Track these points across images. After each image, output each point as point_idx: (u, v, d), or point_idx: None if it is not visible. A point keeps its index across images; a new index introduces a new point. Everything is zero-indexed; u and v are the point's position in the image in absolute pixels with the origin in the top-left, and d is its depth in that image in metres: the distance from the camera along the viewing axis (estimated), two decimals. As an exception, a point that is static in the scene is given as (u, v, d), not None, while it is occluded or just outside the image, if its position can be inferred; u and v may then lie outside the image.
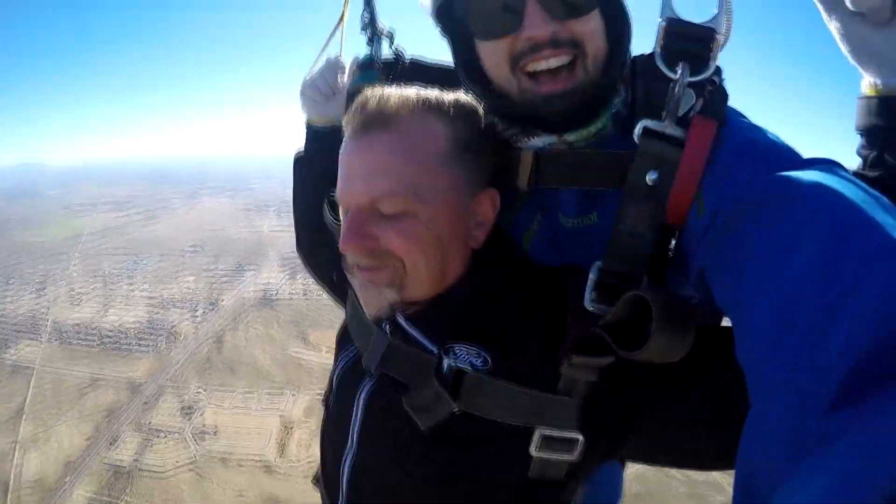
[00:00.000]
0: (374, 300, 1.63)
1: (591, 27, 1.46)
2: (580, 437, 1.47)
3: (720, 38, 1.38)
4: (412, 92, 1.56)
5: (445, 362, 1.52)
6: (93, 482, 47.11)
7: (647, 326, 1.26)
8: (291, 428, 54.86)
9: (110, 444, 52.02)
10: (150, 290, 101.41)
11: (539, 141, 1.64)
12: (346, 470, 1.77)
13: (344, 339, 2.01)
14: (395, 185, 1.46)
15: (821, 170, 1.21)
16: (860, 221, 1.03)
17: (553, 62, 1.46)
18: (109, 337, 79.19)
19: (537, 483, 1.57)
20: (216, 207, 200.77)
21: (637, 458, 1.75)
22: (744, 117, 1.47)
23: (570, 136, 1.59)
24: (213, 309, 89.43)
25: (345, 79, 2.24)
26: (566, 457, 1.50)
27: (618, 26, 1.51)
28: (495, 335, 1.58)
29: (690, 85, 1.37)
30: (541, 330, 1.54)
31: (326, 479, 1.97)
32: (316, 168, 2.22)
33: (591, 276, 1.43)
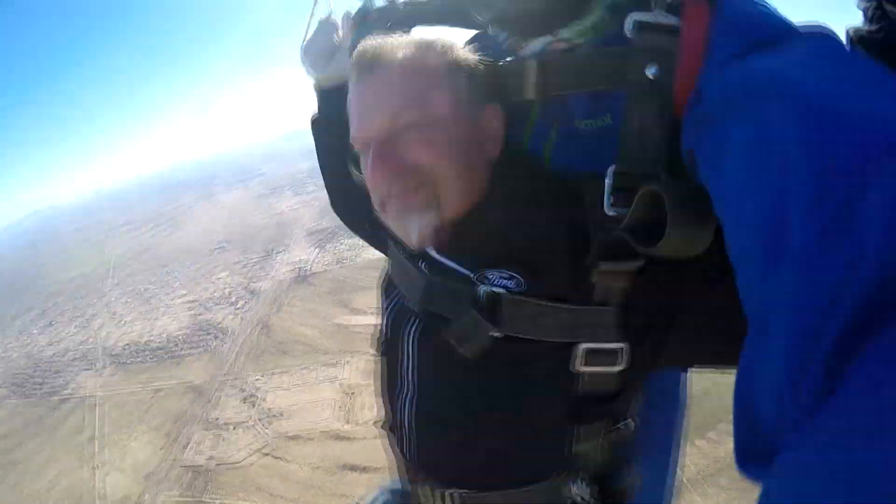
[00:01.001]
0: (413, 228, 1.73)
1: None
2: (623, 346, 1.59)
3: None
4: (403, 37, 1.71)
5: (480, 289, 1.65)
6: (174, 487, 47.88)
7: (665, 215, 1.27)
8: (353, 393, 54.87)
9: (183, 447, 52.65)
10: (188, 295, 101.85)
11: (537, 43, 1.67)
12: (407, 411, 1.96)
13: (388, 287, 2.17)
14: (407, 99, 1.60)
15: (813, 46, 1.16)
16: (859, 110, 0.94)
17: None
18: (160, 348, 79.67)
19: (589, 397, 1.69)
20: (232, 201, 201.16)
21: (683, 363, 1.84)
22: None
23: (565, 34, 1.62)
24: (252, 298, 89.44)
25: (341, 34, 2.34)
26: (612, 368, 1.61)
27: None
28: (524, 256, 1.67)
29: None
30: (567, 243, 1.61)
31: (392, 421, 2.13)
32: (333, 125, 2.27)
33: (608, 181, 1.47)
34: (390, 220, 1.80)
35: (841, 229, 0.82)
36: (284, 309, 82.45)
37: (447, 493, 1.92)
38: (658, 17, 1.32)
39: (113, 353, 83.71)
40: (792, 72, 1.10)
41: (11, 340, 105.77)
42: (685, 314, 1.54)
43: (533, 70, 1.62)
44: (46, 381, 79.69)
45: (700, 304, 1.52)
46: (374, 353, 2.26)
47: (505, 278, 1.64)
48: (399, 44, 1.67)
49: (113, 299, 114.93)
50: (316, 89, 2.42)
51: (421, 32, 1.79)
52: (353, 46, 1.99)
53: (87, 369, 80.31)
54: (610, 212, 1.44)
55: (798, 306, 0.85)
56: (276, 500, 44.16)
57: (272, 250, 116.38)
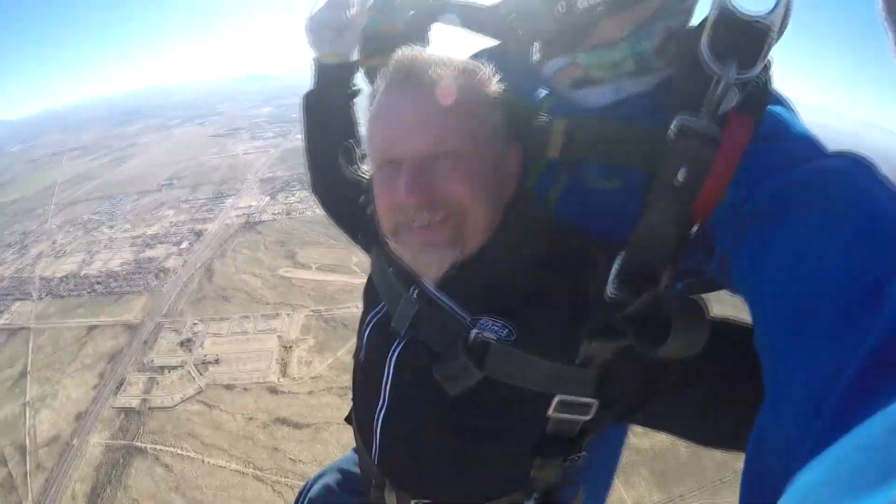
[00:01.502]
0: (433, 263, 1.65)
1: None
2: (594, 402, 1.58)
3: (773, 34, 1.30)
4: (445, 55, 1.64)
5: (472, 333, 1.61)
6: (106, 428, 47.84)
7: (664, 318, 1.28)
8: (290, 347, 55.81)
9: (117, 388, 52.62)
10: (132, 230, 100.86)
11: (556, 63, 1.69)
12: (379, 423, 1.89)
13: (371, 296, 2.06)
14: (453, 126, 1.52)
15: (849, 163, 1.20)
16: (889, 214, 1.03)
17: None
18: (99, 283, 79.18)
19: (553, 437, 1.68)
20: (186, 137, 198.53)
21: (646, 425, 1.80)
22: (782, 109, 1.44)
23: (583, 59, 1.63)
24: (197, 240, 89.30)
25: (353, 12, 2.22)
26: (580, 417, 1.62)
27: None
28: (519, 308, 1.64)
29: (735, 82, 1.31)
30: (563, 305, 1.60)
31: (361, 427, 2.07)
32: (328, 105, 2.20)
33: (615, 267, 1.45)
34: (405, 249, 1.70)
35: (862, 307, 0.90)
36: (229, 255, 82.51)
37: (413, 502, 1.96)
38: (703, 126, 1.31)
39: (50, 283, 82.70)
40: (848, 172, 1.16)
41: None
42: (662, 391, 1.59)
43: (561, 132, 1.63)
44: (-22, 309, 78.17)
45: (678, 386, 1.56)
46: (353, 357, 2.22)
47: (498, 327, 1.63)
48: (444, 63, 1.60)
49: (54, 227, 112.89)
50: (315, 63, 2.28)
51: (458, 58, 1.69)
52: (370, 33, 2.03)
53: (22, 299, 79.35)
54: (611, 295, 1.45)
55: (818, 360, 0.91)
56: (208, 448, 44.46)
57: (222, 193, 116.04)
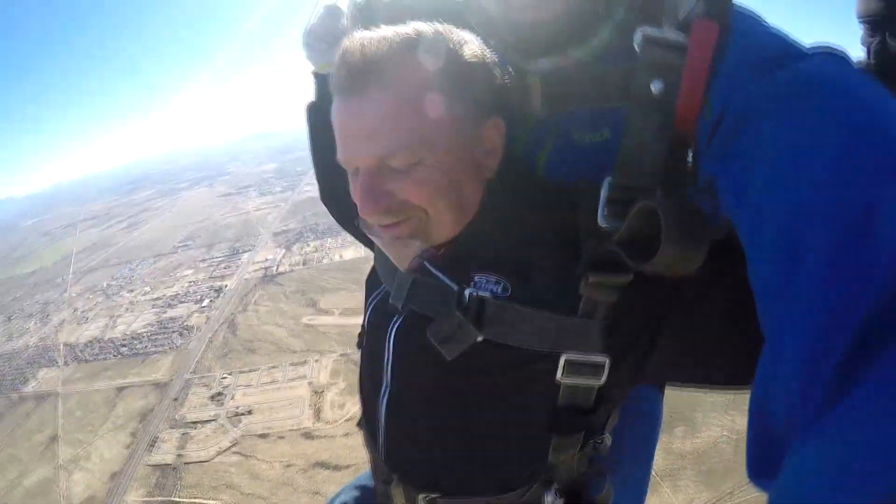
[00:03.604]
0: (403, 254, 1.67)
1: None
2: (605, 360, 1.50)
3: None
4: (391, 32, 1.50)
5: (467, 292, 1.55)
6: (142, 486, 47.58)
7: (660, 237, 1.22)
8: (322, 392, 55.42)
9: (150, 446, 52.35)
10: (152, 292, 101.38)
11: (545, 61, 1.61)
12: (382, 407, 1.84)
13: (373, 282, 2.05)
14: (398, 139, 1.45)
15: (829, 63, 1.17)
16: (875, 124, 0.98)
17: None
18: (124, 345, 79.30)
19: (567, 409, 1.60)
20: (196, 199, 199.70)
21: (662, 380, 1.88)
22: (751, 18, 1.39)
23: (575, 52, 1.56)
24: (218, 296, 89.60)
25: (345, 22, 2.20)
26: (593, 381, 1.53)
27: None
28: (513, 262, 1.60)
29: None
30: (557, 252, 1.55)
31: (367, 419, 2.03)
32: (328, 114, 1.95)
33: (603, 192, 1.41)
34: (378, 242, 1.77)
35: (855, 242, 0.85)
36: (251, 308, 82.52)
37: (420, 497, 1.84)
38: (666, 33, 1.32)
39: (75, 349, 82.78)
40: (826, 76, 1.12)
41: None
42: (669, 333, 1.53)
43: (538, 86, 1.56)
44: (5, 378, 78.58)
45: (684, 324, 1.52)
46: (357, 346, 2.17)
47: (492, 282, 1.59)
48: (389, 45, 1.46)
49: (74, 295, 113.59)
50: (315, 75, 2.32)
51: (407, 30, 1.53)
52: None
53: (49, 366, 79.40)
54: (603, 223, 1.41)
55: (812, 315, 0.88)
56: (248, 498, 44.21)
57: (238, 249, 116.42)
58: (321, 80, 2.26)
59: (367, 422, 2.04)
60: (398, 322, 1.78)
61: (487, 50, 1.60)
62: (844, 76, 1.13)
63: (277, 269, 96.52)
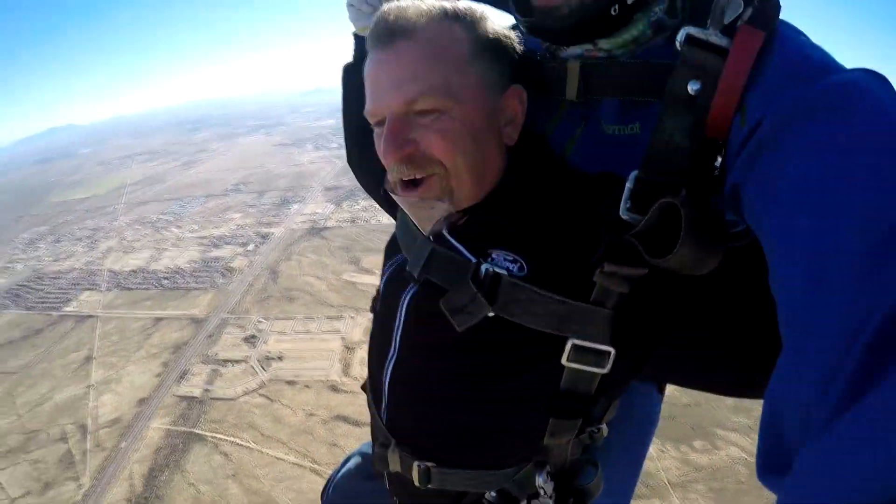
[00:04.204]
0: (427, 216, 1.69)
1: None
2: (611, 350, 1.53)
3: None
4: (433, 2, 1.60)
5: (483, 266, 1.59)
6: (167, 414, 48.40)
7: (678, 235, 1.27)
8: (353, 348, 55.71)
9: (180, 378, 53.33)
10: (200, 230, 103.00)
11: (576, 49, 1.65)
12: (388, 373, 1.89)
13: (391, 249, 2.10)
14: (427, 84, 1.51)
15: (869, 79, 1.16)
16: None
17: None
18: (167, 278, 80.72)
19: (568, 394, 1.63)
20: (253, 146, 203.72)
21: (664, 378, 1.92)
22: (797, 31, 1.41)
23: (605, 44, 1.61)
24: (264, 242, 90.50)
25: None
26: (597, 369, 1.56)
27: None
28: (532, 242, 1.64)
29: None
30: (577, 238, 1.58)
31: (372, 382, 2.06)
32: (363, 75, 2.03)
33: (628, 185, 1.45)
34: (403, 204, 1.71)
35: (884, 257, 0.86)
36: (294, 258, 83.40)
37: (416, 463, 1.84)
38: (710, 35, 1.33)
39: (118, 276, 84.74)
40: (866, 90, 1.12)
41: (18, 252, 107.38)
42: (676, 334, 1.53)
43: (576, 72, 1.61)
44: (49, 296, 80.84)
45: (692, 327, 1.52)
46: (370, 311, 2.20)
47: (509, 260, 1.59)
48: (425, 11, 1.55)
49: (123, 225, 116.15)
50: (355, 37, 2.30)
51: (443, 2, 1.59)
52: None
53: (91, 289, 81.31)
54: (624, 216, 1.43)
55: (834, 322, 0.89)
56: (268, 440, 44.58)
57: (288, 199, 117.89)
58: (360, 42, 2.25)
59: (372, 385, 2.06)
60: (413, 290, 1.81)
61: (509, 29, 1.68)
62: (884, 91, 1.12)
63: (325, 223, 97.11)
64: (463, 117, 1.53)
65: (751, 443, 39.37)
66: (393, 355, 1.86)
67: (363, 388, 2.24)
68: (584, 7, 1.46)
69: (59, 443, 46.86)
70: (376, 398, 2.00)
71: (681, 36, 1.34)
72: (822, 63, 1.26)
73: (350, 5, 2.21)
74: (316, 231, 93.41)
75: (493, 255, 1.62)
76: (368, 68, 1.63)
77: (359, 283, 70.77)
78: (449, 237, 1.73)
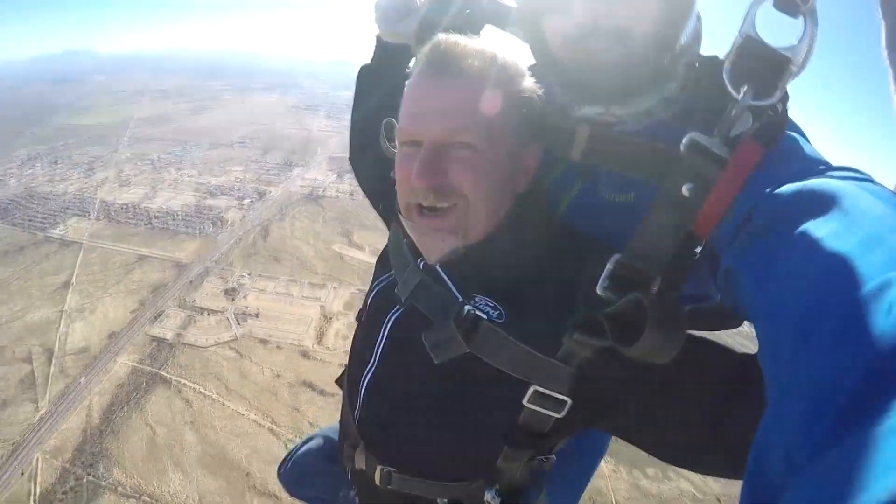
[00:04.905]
0: (436, 247, 1.71)
1: (645, 8, 1.52)
2: (568, 400, 1.59)
3: (794, 68, 1.34)
4: (484, 46, 1.64)
5: (465, 308, 1.65)
6: (136, 352, 48.62)
7: (644, 323, 1.31)
8: (330, 318, 56.20)
9: (154, 318, 53.54)
10: (198, 177, 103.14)
11: (590, 110, 1.68)
12: (365, 383, 1.95)
13: (383, 264, 2.13)
14: (469, 120, 1.55)
15: (853, 180, 1.23)
16: (884, 234, 1.05)
17: (598, 49, 1.55)
18: (157, 218, 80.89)
19: (524, 429, 1.70)
20: (266, 103, 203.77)
21: (617, 434, 1.82)
22: (794, 137, 1.46)
23: (617, 110, 1.65)
24: (260, 199, 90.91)
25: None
26: (553, 413, 1.62)
27: (676, 13, 1.56)
28: (514, 294, 1.71)
29: (750, 108, 1.37)
30: (555, 298, 1.64)
31: (349, 386, 2.12)
32: (381, 81, 2.25)
33: (609, 266, 1.48)
34: (412, 230, 1.72)
35: (866, 314, 0.92)
36: (287, 220, 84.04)
37: (379, 467, 1.95)
38: (713, 145, 1.36)
39: (109, 208, 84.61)
40: (840, 194, 1.17)
41: (14, 168, 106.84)
42: (629, 400, 1.57)
43: (585, 136, 1.60)
44: (37, 216, 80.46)
45: (644, 397, 1.55)
46: (356, 319, 2.20)
47: (490, 306, 1.66)
48: (477, 53, 1.58)
49: (123, 158, 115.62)
50: (378, 39, 2.27)
51: (494, 45, 1.63)
52: (429, 20, 2.02)
53: (80, 216, 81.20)
54: (601, 293, 1.47)
55: (817, 371, 0.94)
56: (231, 393, 44.95)
57: (291, 162, 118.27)
58: (381, 48, 2.28)
59: (349, 387, 2.12)
60: (398, 312, 1.87)
61: (539, 88, 1.69)
62: (866, 188, 1.18)
63: (324, 191, 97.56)
64: (493, 159, 1.58)
65: (700, 480, 40.32)
66: (372, 367, 1.93)
67: (338, 382, 2.32)
68: (632, 60, 1.51)
69: (23, 363, 47.08)
70: (351, 400, 2.07)
71: (686, 139, 1.37)
72: (805, 161, 1.35)
73: (377, 7, 2.19)
74: (313, 198, 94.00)
75: (477, 299, 1.69)
76: (413, 89, 1.65)
77: (347, 256, 71.38)
78: (439, 269, 1.80)
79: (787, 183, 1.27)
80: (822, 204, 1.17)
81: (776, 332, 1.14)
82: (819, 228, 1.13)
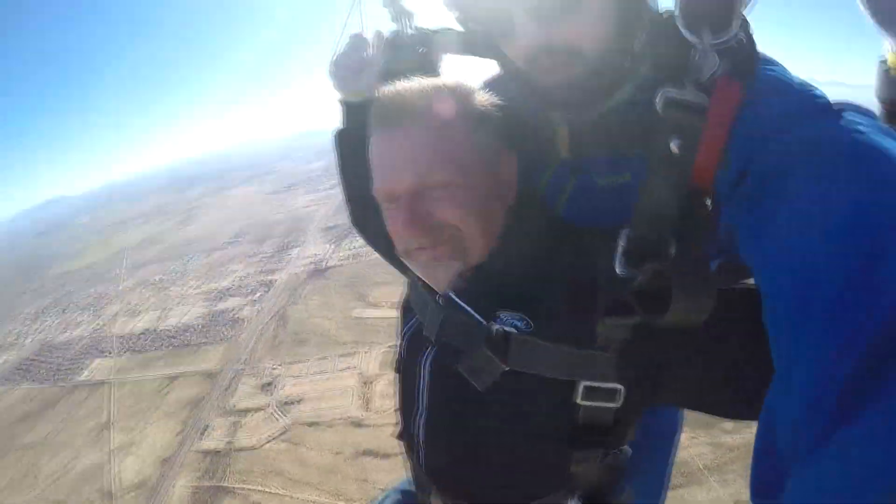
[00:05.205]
0: (441, 276, 1.77)
1: (591, 30, 1.51)
2: (620, 387, 1.65)
3: None
4: (424, 83, 1.73)
5: (493, 328, 1.71)
6: (192, 472, 47.88)
7: (669, 287, 1.34)
8: (371, 382, 55.33)
9: (201, 433, 52.84)
10: (203, 286, 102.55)
11: (564, 114, 1.75)
12: (420, 430, 2.02)
13: (407, 311, 2.23)
14: (434, 161, 1.62)
15: (852, 119, 1.21)
16: (889, 177, 1.04)
17: (556, 67, 1.55)
18: (175, 337, 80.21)
19: (587, 427, 1.73)
20: (246, 196, 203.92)
21: (678, 405, 2.10)
22: (772, 70, 1.47)
23: (591, 110, 1.67)
24: (268, 290, 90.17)
25: (371, 52, 2.37)
26: (609, 404, 1.67)
27: (627, 26, 1.56)
28: (535, 301, 1.75)
29: (714, 48, 1.36)
30: (575, 293, 1.70)
31: (406, 436, 2.19)
32: (358, 140, 2.16)
33: (621, 244, 1.51)
34: (416, 267, 1.81)
35: (863, 281, 0.92)
36: (300, 301, 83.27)
37: None
38: (687, 95, 1.37)
39: (128, 340, 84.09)
40: (845, 133, 1.17)
41: (25, 327, 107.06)
42: (677, 368, 1.62)
43: (565, 132, 1.73)
44: (61, 367, 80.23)
45: (692, 361, 1.60)
46: (394, 371, 2.33)
47: (516, 319, 1.72)
48: (424, 92, 1.68)
49: (127, 289, 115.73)
50: (342, 103, 2.43)
51: (445, 72, 1.82)
52: (389, 70, 2.13)
53: (102, 356, 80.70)
54: (621, 272, 1.50)
55: (819, 347, 0.94)
56: (297, 484, 44.17)
57: (287, 244, 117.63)
58: (348, 108, 2.41)
59: (406, 437, 2.19)
60: (432, 352, 1.96)
61: (495, 98, 1.78)
62: (864, 132, 1.16)
63: (326, 263, 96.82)
64: (472, 185, 1.65)
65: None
66: (422, 412, 1.99)
67: (398, 436, 2.35)
68: (595, 71, 1.53)
69: (85, 513, 45.83)
70: (412, 449, 2.13)
71: (659, 99, 1.39)
72: (801, 106, 1.33)
73: (333, 74, 2.36)
74: (319, 272, 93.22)
75: (501, 316, 1.74)
76: (376, 149, 1.74)
77: (367, 318, 70.72)
78: (458, 300, 1.85)
79: (778, 129, 1.28)
80: (816, 156, 1.16)
81: (778, 294, 1.17)
82: (815, 181, 1.13)
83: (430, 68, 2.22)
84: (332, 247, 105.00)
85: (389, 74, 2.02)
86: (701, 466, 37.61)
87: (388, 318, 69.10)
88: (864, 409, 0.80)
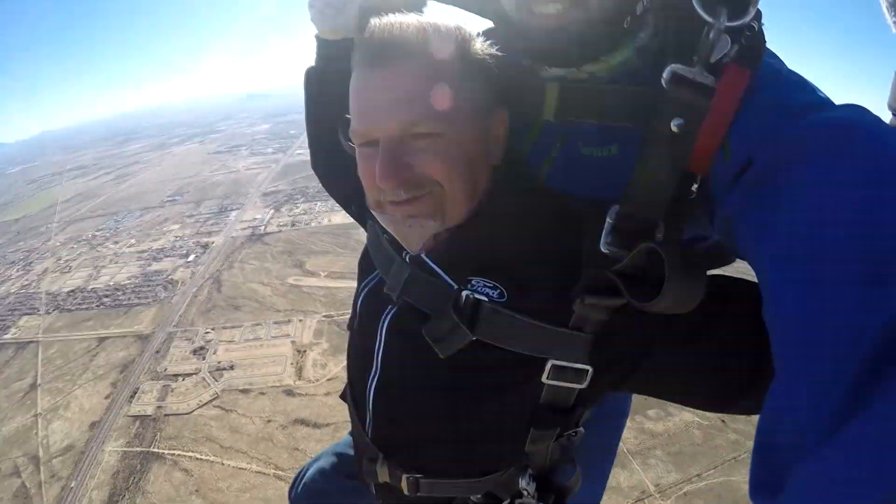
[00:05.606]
0: (415, 235, 1.66)
1: None
2: (589, 369, 1.58)
3: None
4: (421, 19, 1.57)
5: (463, 294, 1.62)
6: (121, 436, 47.47)
7: (660, 274, 1.28)
8: (304, 351, 55.70)
9: (130, 397, 52.32)
10: (138, 245, 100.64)
11: (560, 72, 1.63)
12: (371, 392, 1.93)
13: (365, 265, 2.12)
14: (423, 107, 1.49)
15: (855, 117, 1.19)
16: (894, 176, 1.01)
17: (556, 14, 1.46)
18: (107, 296, 78.76)
19: (548, 407, 1.70)
20: (187, 155, 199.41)
21: (641, 392, 1.85)
22: (778, 61, 1.44)
23: (589, 68, 1.59)
24: (204, 252, 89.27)
25: None
26: (575, 385, 1.62)
27: None
28: (510, 269, 1.66)
29: (726, 30, 1.33)
30: (556, 266, 1.60)
31: (354, 398, 2.11)
32: (329, 81, 2.20)
33: (609, 220, 1.46)
34: (388, 222, 1.71)
35: (872, 281, 0.90)
36: (236, 265, 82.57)
37: (405, 476, 1.96)
38: (697, 74, 1.32)
39: (57, 298, 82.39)
40: (852, 125, 1.15)
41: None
42: (656, 355, 1.58)
43: (555, 93, 1.60)
44: (-15, 325, 77.69)
45: (671, 350, 1.56)
46: (347, 328, 2.28)
47: (489, 287, 1.64)
48: (416, 31, 1.53)
49: (58, 244, 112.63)
50: (317, 39, 2.27)
51: (436, 15, 1.67)
52: (367, 7, 1.98)
53: (29, 314, 79.00)
54: (605, 249, 1.45)
55: (824, 344, 0.93)
56: (227, 451, 44.30)
57: (226, 207, 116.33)
58: (323, 45, 2.23)
59: (355, 401, 2.11)
60: (392, 311, 1.84)
61: (494, 49, 1.63)
62: (870, 125, 1.14)
63: (265, 228, 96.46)
64: (457, 140, 1.54)
65: (700, 408, 40.55)
66: (376, 373, 1.90)
67: (342, 397, 2.33)
68: (592, 23, 1.46)
69: (12, 477, 45.65)
70: (360, 413, 2.04)
71: (666, 73, 1.35)
72: (807, 99, 1.30)
73: (311, 6, 2.16)
74: (257, 237, 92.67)
75: (473, 282, 1.65)
76: (357, 87, 1.60)
77: (304, 286, 70.82)
78: (427, 259, 1.76)
79: (781, 122, 1.25)
80: (820, 150, 1.13)
81: (783, 291, 1.12)
82: (825, 177, 1.09)
83: (417, 11, 1.97)
84: (272, 211, 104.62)
85: (367, 12, 1.89)
86: (625, 451, 38.73)
87: (325, 287, 69.69)
88: (869, 408, 0.80)
